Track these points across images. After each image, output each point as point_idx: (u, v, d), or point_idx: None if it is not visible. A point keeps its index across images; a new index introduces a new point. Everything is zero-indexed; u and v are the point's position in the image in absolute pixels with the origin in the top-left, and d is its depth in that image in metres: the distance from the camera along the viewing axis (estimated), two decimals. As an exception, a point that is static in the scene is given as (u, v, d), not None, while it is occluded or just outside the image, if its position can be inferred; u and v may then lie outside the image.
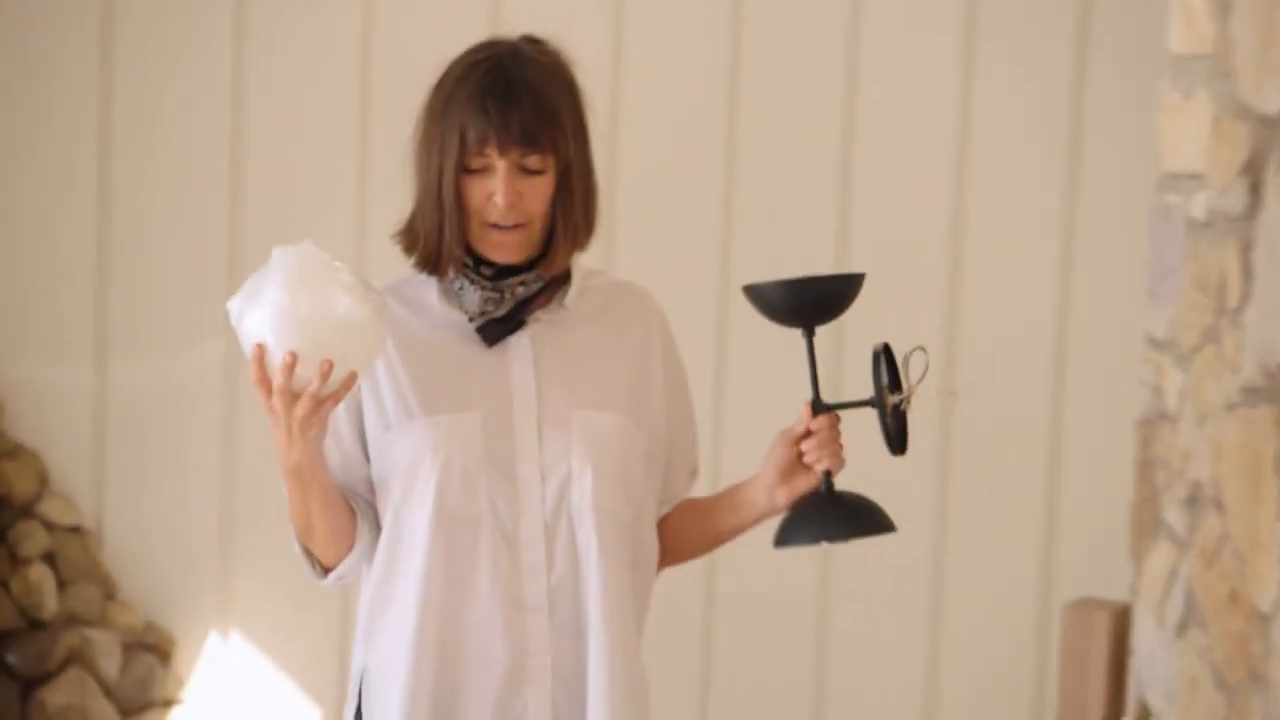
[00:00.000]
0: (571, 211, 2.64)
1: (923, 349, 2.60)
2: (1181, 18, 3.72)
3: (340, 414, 2.59)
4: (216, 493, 4.81)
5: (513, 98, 2.55)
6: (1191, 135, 3.54)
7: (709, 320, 4.58)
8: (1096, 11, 4.53)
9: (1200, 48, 3.54)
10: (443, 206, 2.59)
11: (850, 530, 2.56)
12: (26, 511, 4.70)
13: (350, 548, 2.66)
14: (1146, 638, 3.58)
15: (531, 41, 2.68)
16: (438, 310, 2.69)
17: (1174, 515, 3.47)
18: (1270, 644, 2.54)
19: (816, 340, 2.67)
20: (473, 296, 2.65)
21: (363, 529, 2.66)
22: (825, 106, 4.64)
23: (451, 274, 2.65)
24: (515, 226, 2.60)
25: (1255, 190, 2.90)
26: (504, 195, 2.56)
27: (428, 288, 2.69)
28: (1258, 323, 2.80)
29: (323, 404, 2.46)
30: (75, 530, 4.80)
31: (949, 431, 4.55)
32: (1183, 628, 3.32)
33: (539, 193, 2.61)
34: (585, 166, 2.68)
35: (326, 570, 2.71)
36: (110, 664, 4.72)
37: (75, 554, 4.77)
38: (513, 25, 4.42)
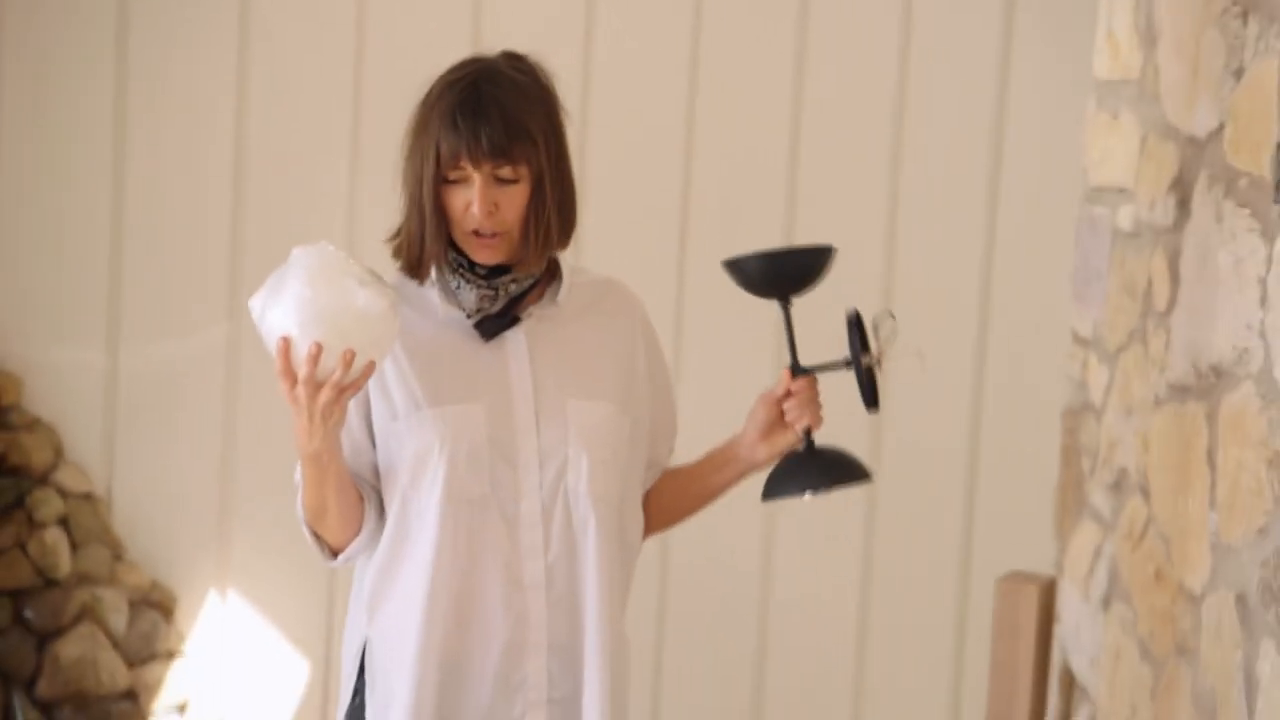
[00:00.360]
0: (543, 216, 2.57)
1: (891, 314, 2.57)
2: (1108, 47, 3.67)
3: (350, 405, 2.51)
4: (217, 464, 4.75)
5: (482, 115, 2.49)
6: (1118, 153, 3.50)
7: (668, 299, 4.54)
8: (1018, 32, 4.50)
9: (1127, 74, 3.50)
10: (423, 216, 2.54)
11: (832, 481, 2.53)
12: (43, 480, 4.64)
13: (359, 530, 2.59)
14: (1072, 610, 3.53)
15: (511, 58, 2.61)
16: (439, 308, 2.62)
17: (1099, 498, 3.43)
18: (1200, 622, 2.49)
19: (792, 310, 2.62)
20: (469, 295, 2.59)
21: (369, 513, 2.59)
22: (773, 112, 4.60)
23: (448, 274, 2.60)
24: (494, 233, 2.55)
25: (1183, 204, 2.85)
26: (480, 205, 2.51)
27: (429, 287, 2.63)
28: (1185, 325, 2.76)
29: (344, 392, 2.39)
30: (87, 497, 4.73)
31: (878, 418, 4.49)
32: (1107, 602, 3.27)
33: (514, 200, 2.55)
34: (559, 174, 2.61)
35: (335, 552, 2.63)
36: (118, 619, 4.66)
37: (87, 519, 4.71)
38: (493, 27, 4.45)
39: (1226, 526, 2.39)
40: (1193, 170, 2.81)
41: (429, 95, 2.57)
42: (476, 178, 2.50)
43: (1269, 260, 2.26)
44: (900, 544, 4.65)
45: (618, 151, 4.58)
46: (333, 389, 2.37)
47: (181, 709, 4.73)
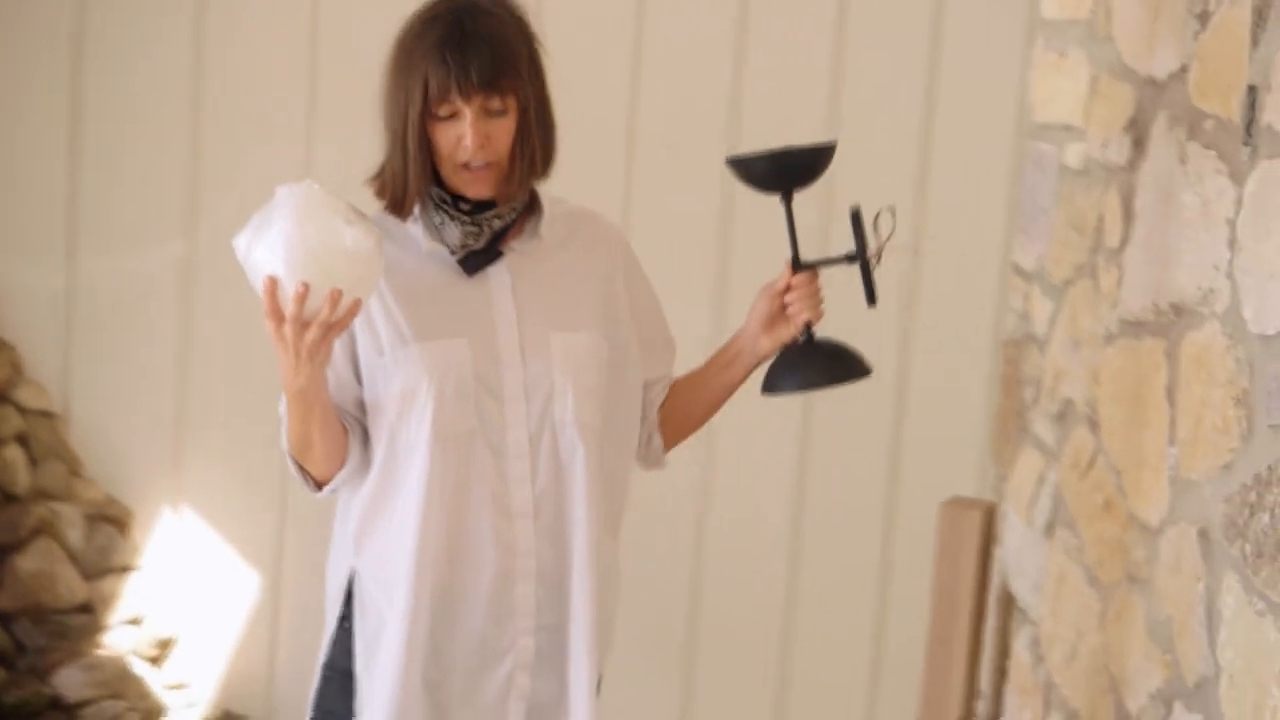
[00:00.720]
0: (530, 145, 2.50)
1: (892, 211, 2.51)
2: (1056, -13, 3.62)
3: (334, 341, 2.43)
4: (172, 383, 4.64)
5: (470, 47, 2.40)
6: (1066, 92, 3.45)
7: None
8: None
9: (1075, 13, 3.44)
10: (407, 154, 2.44)
11: (832, 377, 2.49)
12: (2, 397, 4.52)
13: (343, 463, 2.51)
14: (1014, 536, 3.51)
15: None
16: (422, 243, 2.52)
17: (1042, 428, 3.40)
18: (1157, 553, 2.46)
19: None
20: (454, 231, 2.50)
21: (354, 446, 2.51)
22: (717, 44, 4.50)
23: (432, 211, 2.50)
24: (486, 165, 2.46)
25: (1139, 144, 2.80)
26: (472, 138, 2.42)
27: (412, 223, 2.53)
28: (1142, 263, 2.71)
29: (331, 330, 2.30)
30: (45, 414, 4.61)
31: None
32: (1050, 528, 3.25)
33: (504, 131, 2.46)
34: (542, 104, 2.54)
35: (319, 484, 2.56)
36: (75, 534, 4.56)
37: (45, 436, 4.60)
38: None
39: (1188, 462, 2.35)
40: (1149, 111, 2.76)
41: (408, 33, 2.46)
42: (467, 111, 2.41)
43: (1238, 202, 2.21)
44: (834, 464, 4.62)
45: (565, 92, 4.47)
46: (319, 328, 2.28)
47: (136, 622, 4.65)
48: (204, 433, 4.67)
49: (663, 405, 2.75)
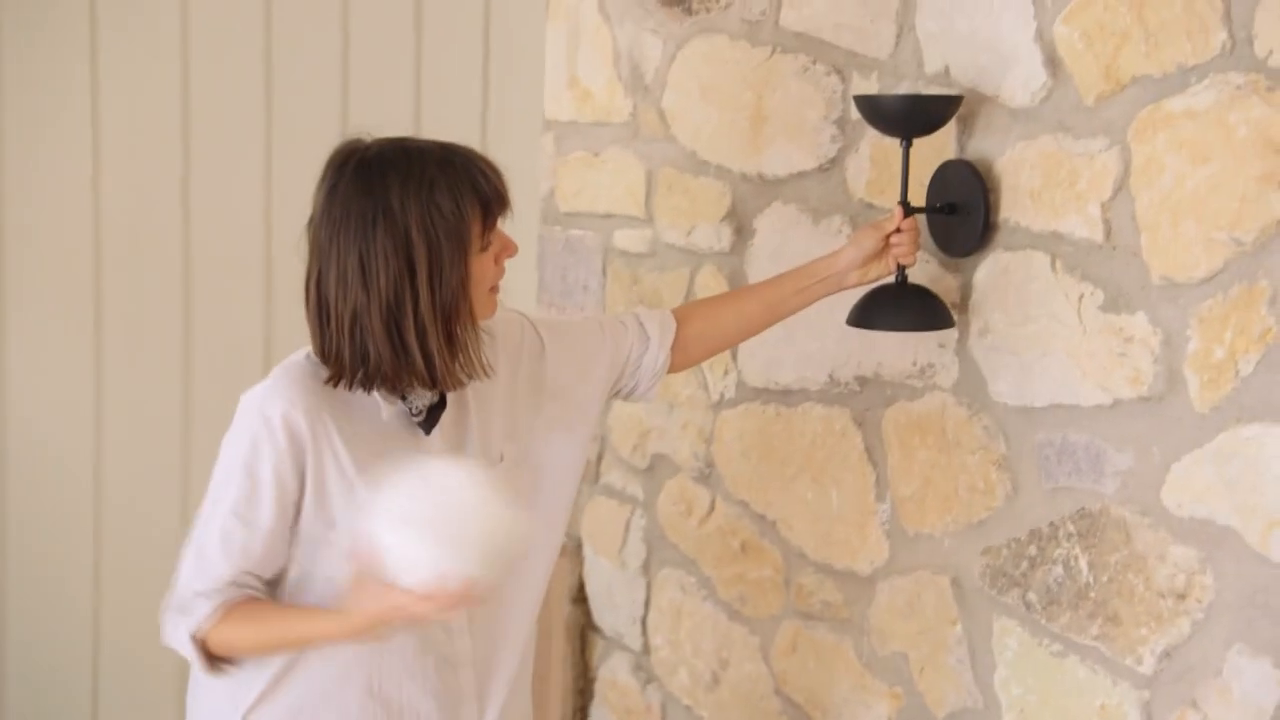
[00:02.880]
0: None
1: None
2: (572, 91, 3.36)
3: (272, 512, 1.78)
4: None
5: (481, 159, 1.77)
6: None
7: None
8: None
9: (610, 117, 3.20)
10: (429, 327, 1.73)
11: (924, 322, 2.02)
12: None
13: None
14: (600, 575, 3.23)
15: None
16: (382, 407, 1.82)
17: (618, 479, 3.15)
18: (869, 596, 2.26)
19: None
20: (423, 393, 1.84)
21: None
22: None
23: None
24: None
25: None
26: (515, 244, 1.81)
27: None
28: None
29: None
30: None
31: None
32: (646, 568, 3.00)
33: None
34: None
35: (224, 666, 1.84)
36: None
37: None
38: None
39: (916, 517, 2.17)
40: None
41: (391, 182, 1.71)
42: (500, 225, 1.80)
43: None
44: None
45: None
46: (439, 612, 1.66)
47: None
48: None
49: (700, 323, 2.14)
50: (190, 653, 1.79)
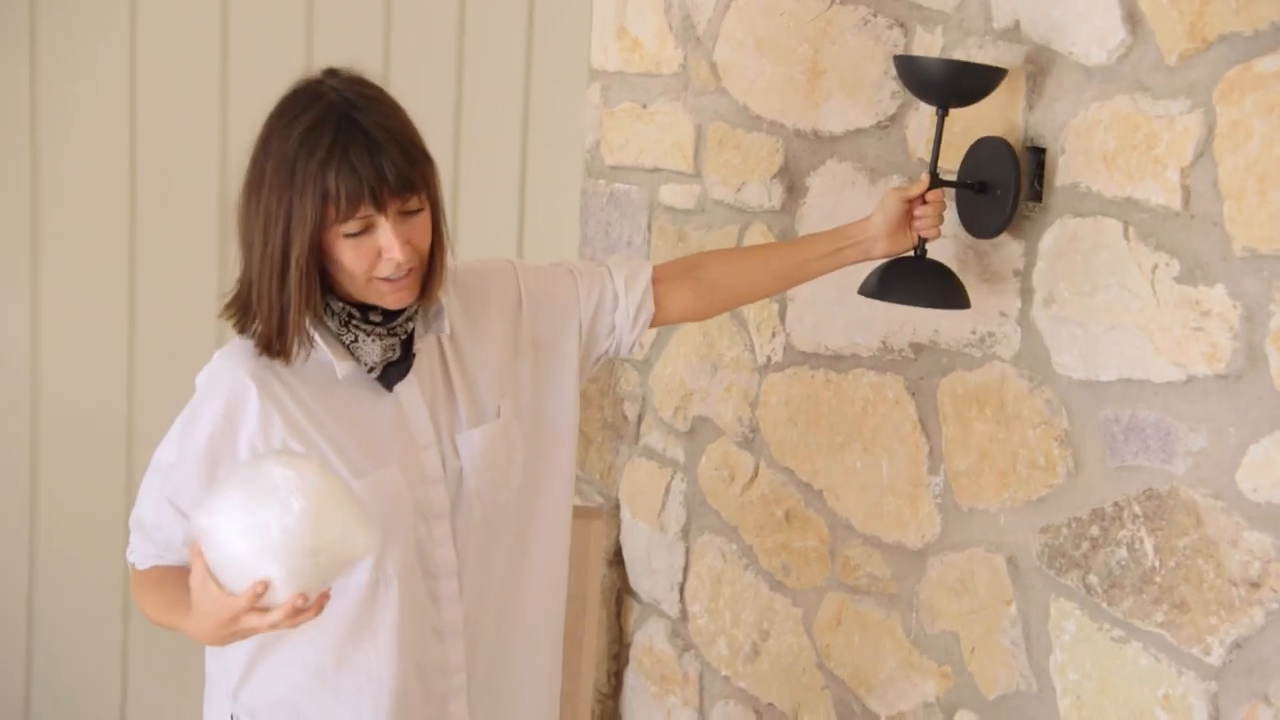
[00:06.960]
0: (443, 236, 1.82)
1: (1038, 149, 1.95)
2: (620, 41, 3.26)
3: (196, 485, 1.78)
4: None
5: (377, 148, 1.68)
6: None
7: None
8: None
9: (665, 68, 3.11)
10: (288, 287, 1.71)
11: (939, 300, 1.95)
12: None
13: None
14: (639, 540, 3.16)
15: (355, 82, 1.76)
16: (336, 367, 1.80)
17: (657, 441, 3.07)
18: (920, 572, 2.19)
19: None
20: (372, 349, 1.81)
21: None
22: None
23: (339, 328, 1.79)
24: (409, 271, 1.77)
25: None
26: (399, 250, 1.71)
27: (318, 347, 1.80)
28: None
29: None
30: None
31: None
32: (685, 533, 2.93)
33: (423, 230, 1.77)
34: (439, 188, 1.83)
35: None
36: None
37: None
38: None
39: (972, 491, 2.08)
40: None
41: (284, 142, 1.70)
42: (384, 220, 1.71)
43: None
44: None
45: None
46: (289, 622, 1.60)
47: None
48: None
49: (718, 269, 2.09)
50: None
